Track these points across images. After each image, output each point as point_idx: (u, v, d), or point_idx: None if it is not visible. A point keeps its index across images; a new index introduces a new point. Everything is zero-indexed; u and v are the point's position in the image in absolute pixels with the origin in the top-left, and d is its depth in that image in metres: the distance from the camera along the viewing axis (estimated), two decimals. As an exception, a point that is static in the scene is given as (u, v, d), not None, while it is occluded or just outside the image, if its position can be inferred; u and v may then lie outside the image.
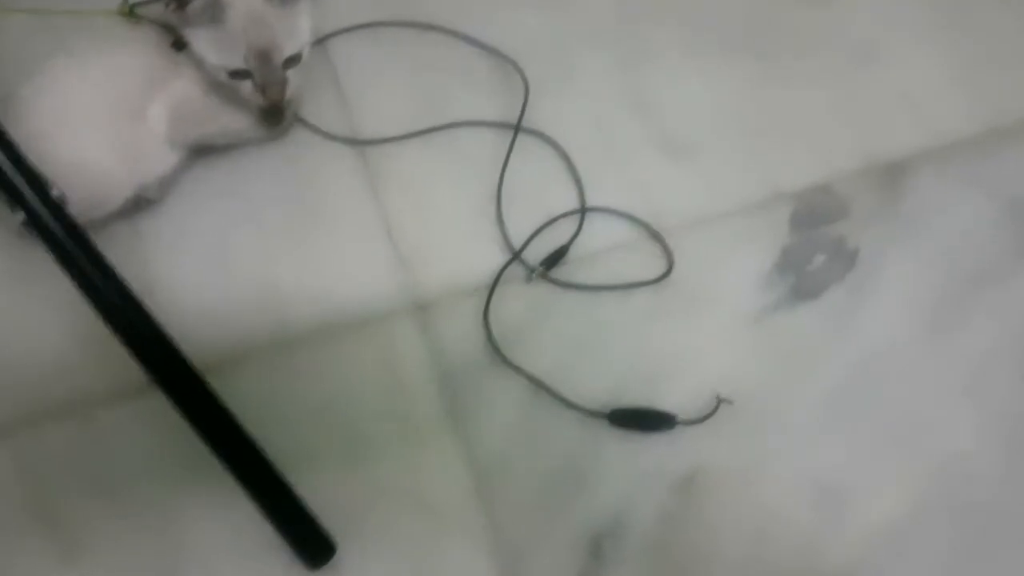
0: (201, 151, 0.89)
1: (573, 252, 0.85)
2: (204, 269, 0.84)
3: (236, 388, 0.72)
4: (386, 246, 0.87)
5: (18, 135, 0.75)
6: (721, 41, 0.97)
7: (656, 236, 0.86)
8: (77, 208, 0.77)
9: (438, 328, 0.83)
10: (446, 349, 0.81)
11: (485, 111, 0.90)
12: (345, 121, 0.90)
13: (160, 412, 0.70)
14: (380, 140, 0.89)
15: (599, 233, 0.87)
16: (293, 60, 0.82)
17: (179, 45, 0.82)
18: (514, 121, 0.89)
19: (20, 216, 0.67)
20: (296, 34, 0.81)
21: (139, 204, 0.86)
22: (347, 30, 0.94)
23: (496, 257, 0.85)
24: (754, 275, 0.85)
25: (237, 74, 0.81)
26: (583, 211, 0.88)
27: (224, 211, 0.87)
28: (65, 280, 0.68)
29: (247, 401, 0.71)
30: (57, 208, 0.68)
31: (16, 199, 0.66)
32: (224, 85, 0.83)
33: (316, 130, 0.90)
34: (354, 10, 0.94)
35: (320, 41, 0.92)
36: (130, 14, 0.83)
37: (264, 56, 0.80)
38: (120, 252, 0.71)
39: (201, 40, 0.80)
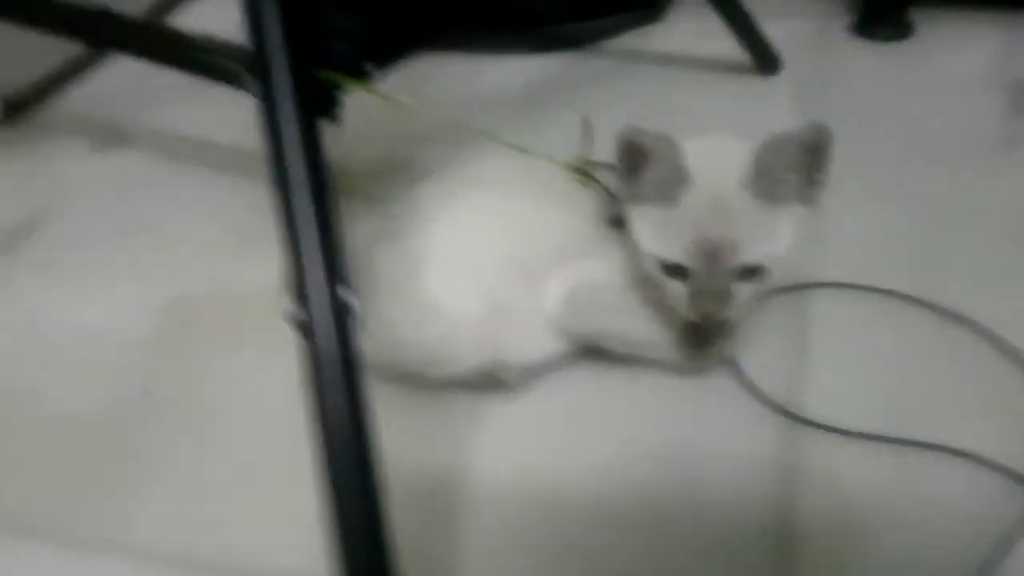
0: (595, 351, 0.69)
1: None
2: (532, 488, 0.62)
3: None
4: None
5: (386, 250, 0.66)
6: None
7: None
8: (418, 357, 0.67)
9: None
10: None
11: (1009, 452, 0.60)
12: (788, 387, 0.68)
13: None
14: (830, 427, 0.64)
15: None
16: (751, 273, 0.59)
17: (618, 222, 0.65)
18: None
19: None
20: (767, 240, 0.59)
21: (490, 379, 0.68)
22: (847, 286, 0.75)
23: None
24: None
25: (670, 270, 0.60)
26: None
27: (587, 426, 0.66)
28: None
29: None
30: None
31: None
32: (651, 283, 0.63)
33: (744, 380, 0.69)
34: (867, 267, 0.76)
35: (804, 287, 0.75)
36: (580, 172, 0.68)
37: (711, 254, 0.58)
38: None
39: (642, 218, 0.61)
